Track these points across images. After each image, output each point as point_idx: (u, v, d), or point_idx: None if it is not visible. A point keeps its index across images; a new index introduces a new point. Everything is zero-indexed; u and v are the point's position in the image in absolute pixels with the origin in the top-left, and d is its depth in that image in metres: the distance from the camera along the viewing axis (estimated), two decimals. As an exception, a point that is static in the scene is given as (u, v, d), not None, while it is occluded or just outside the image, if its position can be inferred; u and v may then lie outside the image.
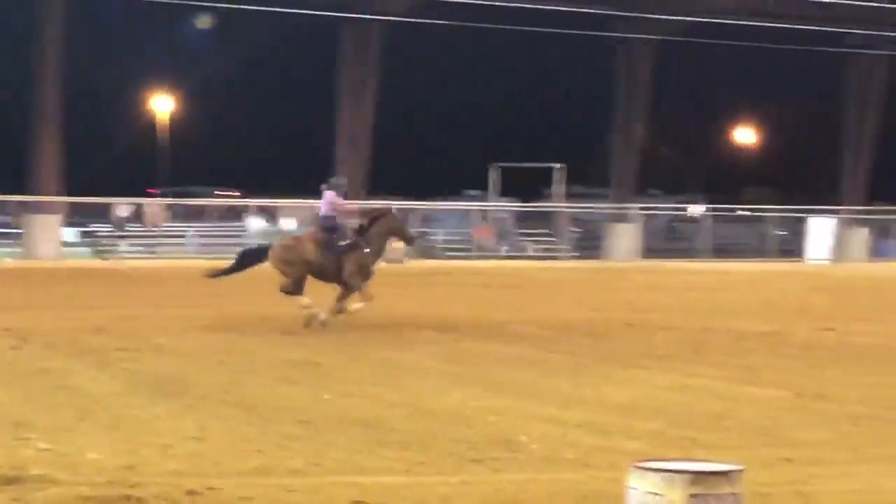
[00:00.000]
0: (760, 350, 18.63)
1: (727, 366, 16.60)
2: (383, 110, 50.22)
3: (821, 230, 53.01)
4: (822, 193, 55.17)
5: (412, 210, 49.16)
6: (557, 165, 52.03)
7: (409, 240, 24.32)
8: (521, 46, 55.03)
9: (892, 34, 51.75)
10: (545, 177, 53.08)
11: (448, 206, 54.08)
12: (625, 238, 51.00)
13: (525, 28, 49.28)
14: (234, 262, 22.57)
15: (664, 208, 56.58)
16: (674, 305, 26.90)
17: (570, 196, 53.30)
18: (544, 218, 52.78)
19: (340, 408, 12.58)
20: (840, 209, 54.25)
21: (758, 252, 51.89)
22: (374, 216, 22.30)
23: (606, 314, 24.19)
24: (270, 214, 53.15)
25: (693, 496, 5.63)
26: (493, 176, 53.17)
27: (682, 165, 65.93)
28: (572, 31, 49.58)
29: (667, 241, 53.75)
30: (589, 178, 57.31)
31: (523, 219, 52.93)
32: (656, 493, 5.69)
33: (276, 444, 10.55)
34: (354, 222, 22.25)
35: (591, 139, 57.14)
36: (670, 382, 14.93)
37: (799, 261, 50.82)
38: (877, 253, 52.85)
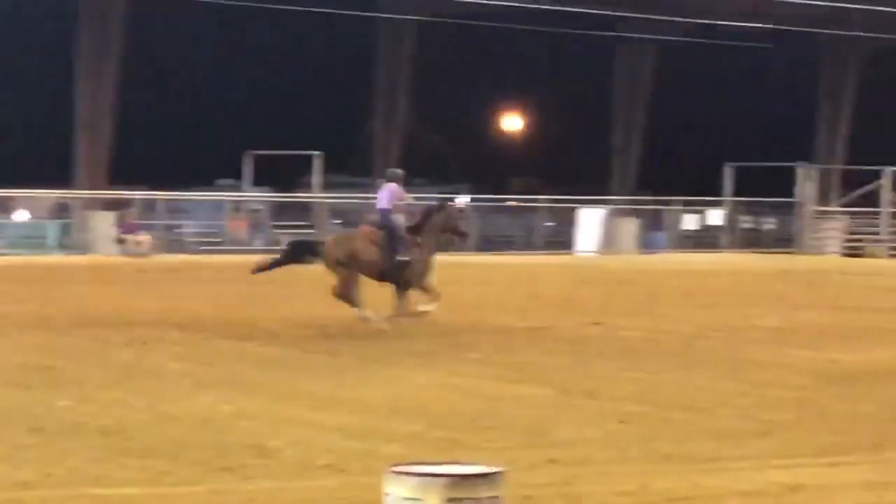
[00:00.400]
0: (527, 346, 18.92)
1: (492, 363, 16.81)
2: (126, 95, 49.39)
3: (590, 221, 54.09)
4: (591, 183, 56.29)
5: (157, 201, 48.54)
6: (316, 153, 51.90)
7: (462, 234, 24.48)
8: (278, 27, 54.75)
9: (660, 18, 53.07)
10: (304, 166, 52.87)
11: (197, 197, 53.46)
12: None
13: (282, 7, 49.05)
14: (282, 254, 22.03)
15: (427, 198, 56.97)
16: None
17: (331, 186, 53.21)
18: (302, 209, 52.59)
19: (78, 414, 12.32)
20: (609, 199, 55.46)
21: (526, 244, 52.67)
22: (428, 211, 22.29)
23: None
24: (3, 206, 51.78)
25: (451, 500, 5.66)
26: (247, 164, 52.77)
27: (448, 154, 66.50)
28: (332, 11, 49.54)
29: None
30: (351, 166, 57.39)
31: (280, 210, 52.63)
32: (413, 499, 5.71)
33: (5, 454, 10.27)
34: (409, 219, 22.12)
35: (353, 126, 57.22)
36: (432, 381, 15.05)
37: (568, 253, 51.78)
38: (646, 244, 54.15)
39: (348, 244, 21.59)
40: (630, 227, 54.69)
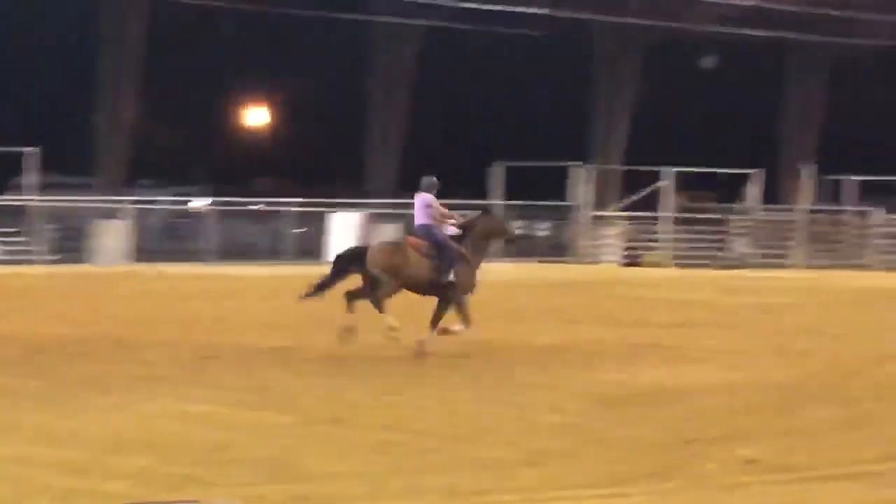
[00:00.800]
0: (271, 368, 18.91)
1: (233, 388, 16.76)
2: None
3: (344, 227, 54.24)
4: (345, 185, 56.46)
5: None
6: (29, 149, 50.94)
7: (510, 239, 25.68)
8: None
9: (424, 1, 53.48)
10: (14, 164, 51.86)
11: None
12: (113, 237, 50.52)
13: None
14: (330, 273, 21.78)
15: (161, 202, 56.42)
16: (172, 317, 26.91)
17: (47, 187, 52.29)
18: (14, 213, 51.58)
19: None
20: (366, 203, 55.66)
21: (273, 253, 52.55)
22: (470, 219, 22.34)
23: (89, 329, 23.93)
24: None
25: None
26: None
27: (183, 151, 65.90)
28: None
29: (165, 241, 53.63)
30: (69, 165, 56.46)
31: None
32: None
33: None
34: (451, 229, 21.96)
35: (74, 119, 56.28)
36: (164, 409, 14.94)
37: (320, 263, 51.84)
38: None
39: (396, 254, 21.36)
40: (390, 233, 54.99)
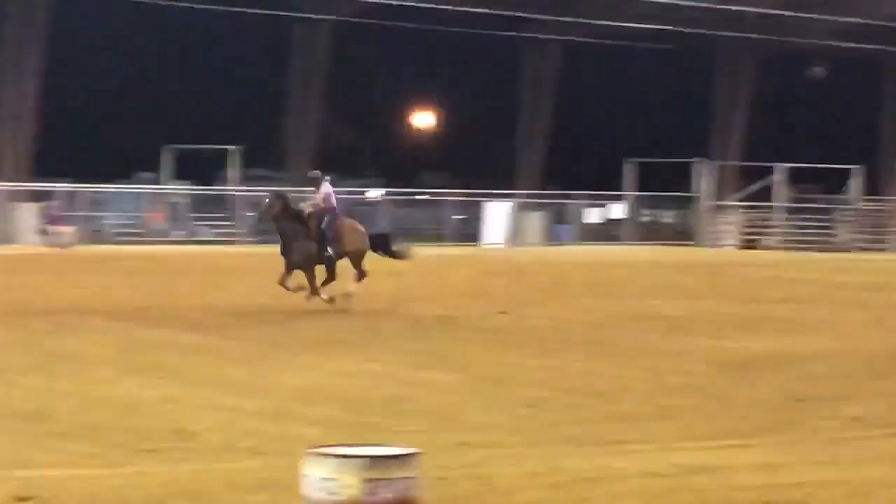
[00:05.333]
0: (437, 334, 18.96)
1: (404, 351, 16.83)
2: (50, 89, 48.85)
3: (497, 214, 54.29)
4: (498, 178, 56.46)
5: (78, 193, 48.14)
6: (232, 148, 51.65)
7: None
8: (196, 24, 54.34)
9: (565, 20, 53.26)
10: (221, 160, 52.63)
11: (118, 189, 53.04)
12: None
13: (203, 6, 48.75)
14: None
15: (342, 192, 56.84)
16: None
17: (247, 179, 52.97)
18: (220, 202, 52.32)
19: (3, 399, 12.20)
20: (516, 194, 55.64)
21: (436, 236, 52.74)
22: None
23: (284, 300, 24.18)
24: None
25: (367, 480, 5.68)
26: (166, 159, 52.45)
27: (362, 149, 66.38)
28: (248, 10, 49.27)
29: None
30: (266, 160, 57.13)
31: (199, 203, 52.34)
32: (331, 479, 5.72)
33: (-67, 439, 10.17)
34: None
35: (270, 121, 56.92)
36: (347, 368, 15.05)
37: (476, 245, 51.92)
38: (551, 237, 54.43)
39: None
40: (536, 220, 54.95)
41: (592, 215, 58.60)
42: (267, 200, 23.69)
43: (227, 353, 16.30)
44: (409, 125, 69.33)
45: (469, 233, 53.70)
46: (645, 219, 59.26)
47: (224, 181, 53.14)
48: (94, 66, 58.18)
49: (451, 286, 28.74)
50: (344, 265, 23.11)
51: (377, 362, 15.59)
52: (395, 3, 50.12)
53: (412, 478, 5.81)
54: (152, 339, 17.63)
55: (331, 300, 22.17)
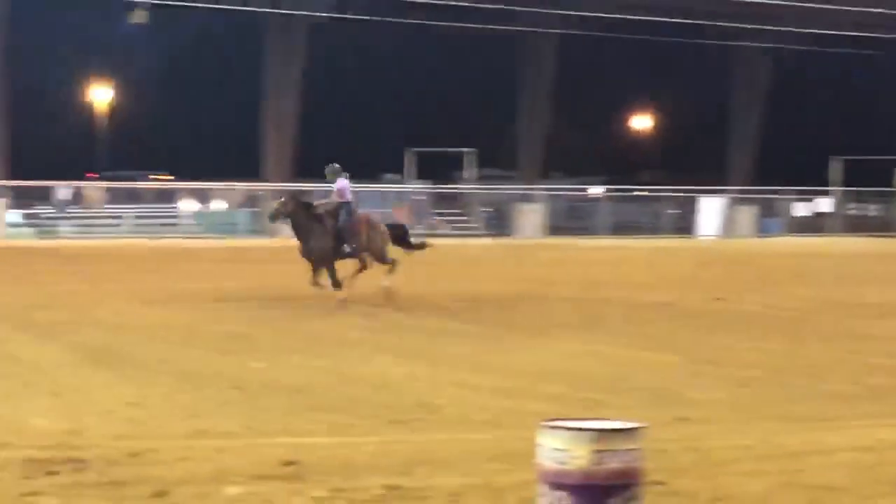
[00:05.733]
0: (656, 319, 18.79)
1: (625, 334, 16.72)
2: (307, 100, 50.01)
3: (710, 209, 53.55)
4: (711, 175, 55.77)
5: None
6: (468, 150, 52.11)
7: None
8: (440, 45, 54.98)
9: (774, 28, 52.27)
10: (457, 162, 53.19)
11: (367, 189, 54.02)
12: (531, 217, 51.18)
13: (444, 23, 49.32)
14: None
15: (567, 189, 56.84)
16: (576, 279, 27.05)
17: (481, 178, 53.40)
18: (457, 199, 52.85)
19: (271, 375, 12.54)
20: (728, 189, 54.82)
21: (653, 229, 52.30)
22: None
23: (514, 287, 24.29)
24: (202, 196, 52.75)
25: (596, 451, 5.67)
26: (409, 160, 53.21)
27: (584, 150, 66.24)
28: (485, 26, 49.64)
29: (569, 220, 54.07)
30: (498, 161, 57.48)
31: (438, 200, 52.96)
32: (563, 450, 5.72)
33: (211, 409, 10.49)
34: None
35: (502, 126, 57.27)
36: (573, 349, 15.01)
37: (691, 237, 51.30)
38: (763, 229, 53.48)
39: None
40: (747, 214, 54.03)
41: (800, 209, 57.39)
42: (282, 199, 21.79)
43: (464, 335, 16.41)
44: (628, 127, 68.93)
45: (684, 226, 53.10)
46: (851, 212, 57.77)
47: (460, 181, 53.67)
48: (351, 82, 59.32)
49: (667, 275, 28.44)
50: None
51: (601, 344, 15.51)
52: (616, 16, 49.86)
53: (637, 450, 5.77)
54: (398, 323, 17.87)
55: (343, 296, 20.48)
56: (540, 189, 52.30)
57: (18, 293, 21.59)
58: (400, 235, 22.16)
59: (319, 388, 11.74)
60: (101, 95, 59.11)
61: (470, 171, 52.80)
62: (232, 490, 7.44)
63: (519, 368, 13.31)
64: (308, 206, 21.22)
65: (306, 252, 20.78)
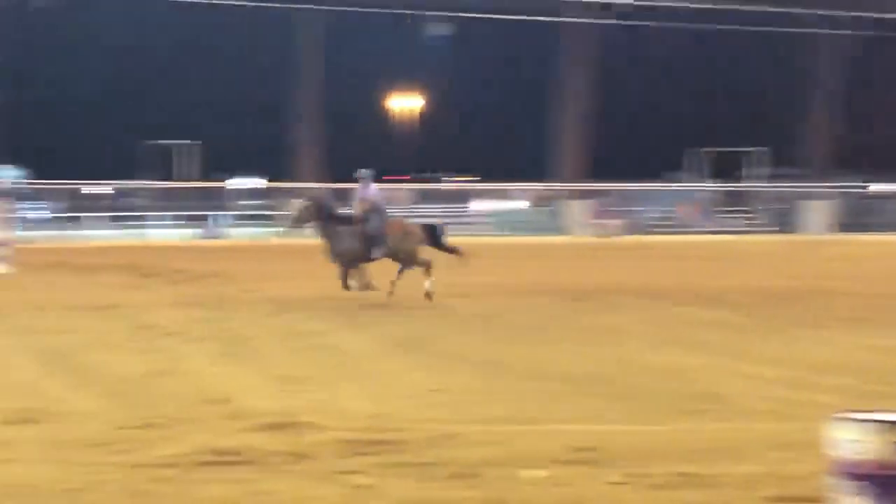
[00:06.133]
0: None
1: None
2: (602, 104, 50.16)
3: None
4: None
5: (614, 192, 49.21)
6: (759, 149, 51.29)
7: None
8: (722, 45, 54.06)
9: None
10: (748, 160, 52.39)
11: (652, 188, 53.61)
12: (818, 214, 49.88)
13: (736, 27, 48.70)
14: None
15: (852, 187, 54.99)
16: (857, 274, 26.13)
17: (771, 177, 52.44)
18: (746, 196, 51.97)
19: (563, 366, 12.60)
20: None
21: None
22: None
23: (798, 282, 23.65)
24: (499, 195, 53.51)
25: (893, 443, 5.46)
26: (695, 160, 52.64)
27: (869, 148, 63.85)
28: (774, 29, 48.73)
29: (856, 217, 52.32)
30: (787, 160, 56.16)
31: (724, 198, 52.26)
32: (856, 440, 5.54)
33: (507, 396, 10.63)
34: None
35: (791, 125, 55.84)
36: (859, 343, 14.49)
37: None
38: None
39: None
40: None
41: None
42: (302, 202, 20.81)
43: (748, 328, 16.09)
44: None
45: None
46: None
47: (748, 179, 52.75)
48: (643, 86, 58.83)
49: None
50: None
51: (887, 338, 14.86)
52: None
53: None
54: (683, 316, 17.65)
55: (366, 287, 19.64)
56: (827, 187, 50.84)
57: (320, 286, 21.73)
58: (434, 236, 20.62)
59: (609, 376, 11.74)
60: (410, 103, 60.53)
61: (758, 169, 51.82)
62: (532, 473, 7.54)
63: (803, 361, 12.96)
64: (331, 211, 20.33)
65: (333, 256, 20.00)
